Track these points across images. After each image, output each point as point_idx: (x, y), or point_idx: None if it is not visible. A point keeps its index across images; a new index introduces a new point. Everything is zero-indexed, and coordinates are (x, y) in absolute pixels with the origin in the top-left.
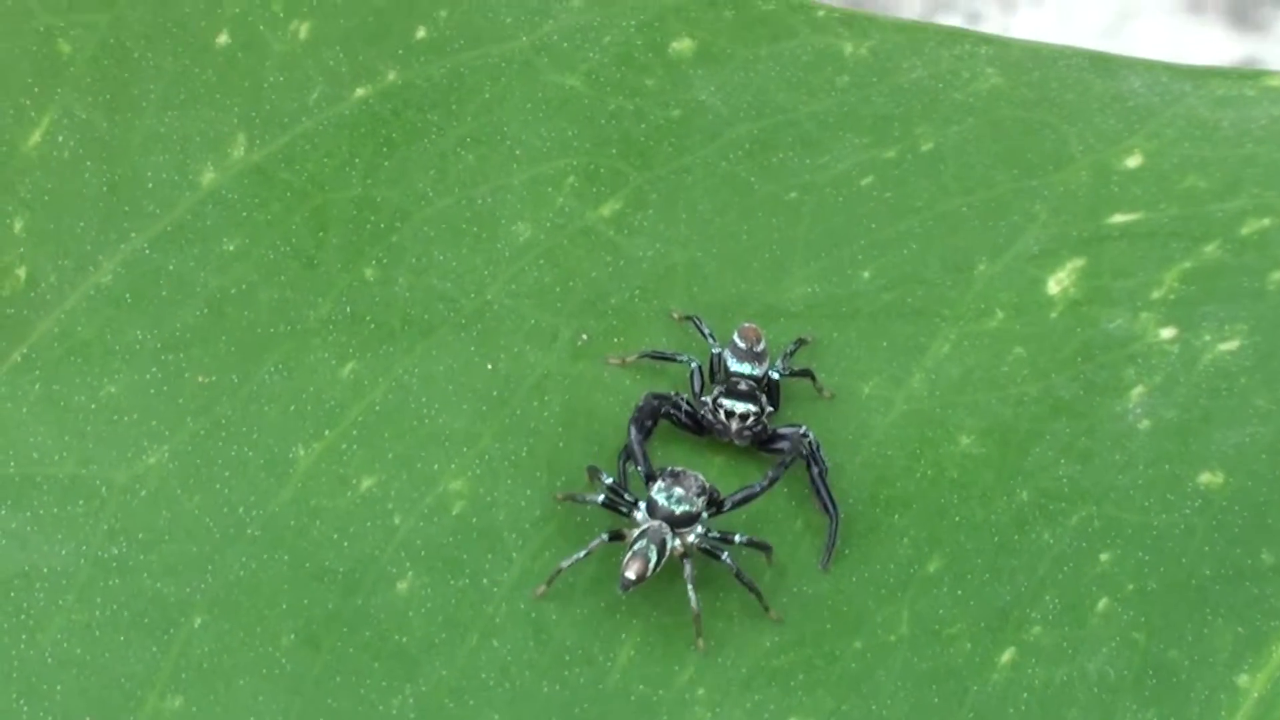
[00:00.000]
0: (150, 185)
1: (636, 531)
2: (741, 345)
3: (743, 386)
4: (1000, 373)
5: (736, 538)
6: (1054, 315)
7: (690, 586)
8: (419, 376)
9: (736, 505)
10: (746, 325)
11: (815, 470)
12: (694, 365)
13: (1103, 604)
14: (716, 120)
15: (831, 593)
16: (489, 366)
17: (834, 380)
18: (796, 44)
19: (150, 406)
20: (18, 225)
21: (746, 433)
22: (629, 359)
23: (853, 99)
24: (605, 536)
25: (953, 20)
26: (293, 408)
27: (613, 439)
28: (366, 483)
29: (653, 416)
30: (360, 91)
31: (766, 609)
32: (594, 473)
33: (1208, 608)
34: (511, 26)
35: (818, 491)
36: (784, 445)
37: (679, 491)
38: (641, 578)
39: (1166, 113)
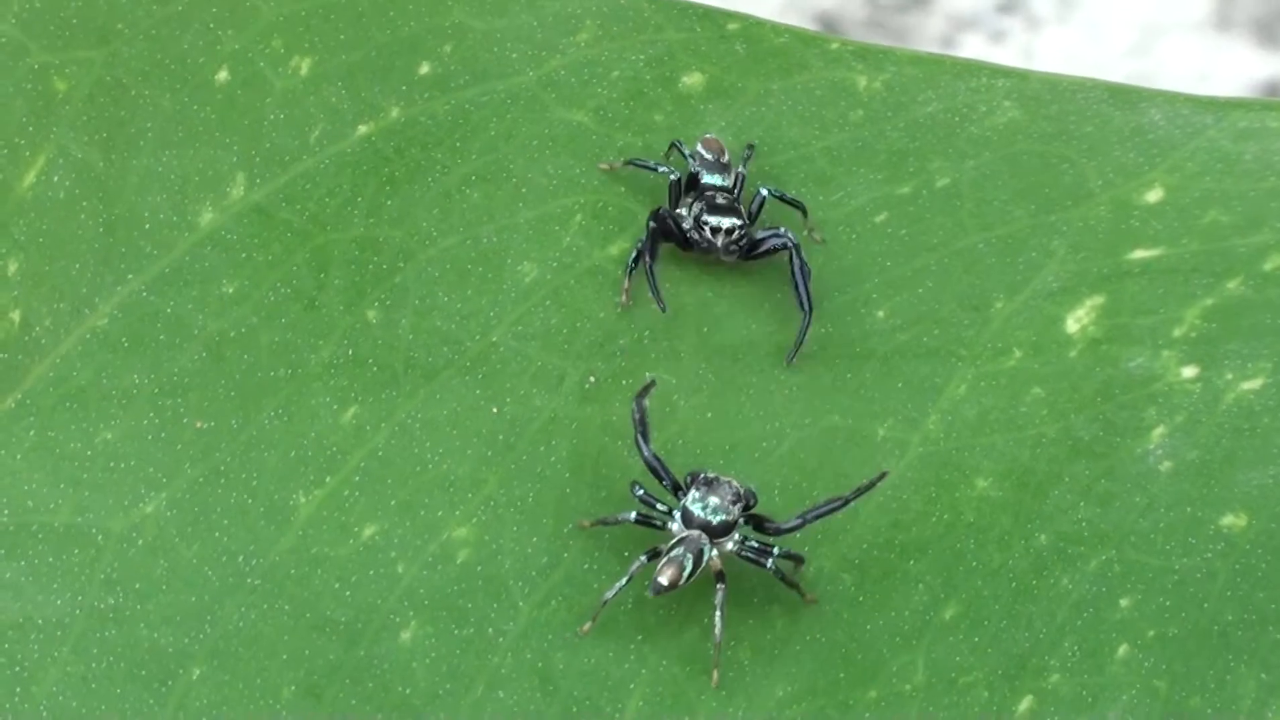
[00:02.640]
0: (148, 226)
1: (673, 540)
2: (708, 156)
3: (720, 200)
4: (1018, 413)
5: (775, 551)
6: (1073, 354)
7: (718, 613)
8: (422, 421)
9: (781, 533)
10: (708, 136)
11: (797, 264)
12: (673, 176)
13: (1123, 650)
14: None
15: (845, 640)
16: (494, 410)
17: (849, 423)
18: (809, 78)
19: (147, 453)
20: (12, 268)
21: (733, 247)
22: (616, 165)
23: (867, 134)
24: (644, 558)
25: (976, 39)
26: (293, 453)
27: (621, 483)
28: (369, 530)
29: (660, 240)
30: (363, 129)
31: (803, 594)
32: (634, 487)
33: (1230, 654)
34: (518, 62)
35: (796, 286)
36: (772, 243)
37: (714, 501)
38: (674, 585)
39: (1188, 146)
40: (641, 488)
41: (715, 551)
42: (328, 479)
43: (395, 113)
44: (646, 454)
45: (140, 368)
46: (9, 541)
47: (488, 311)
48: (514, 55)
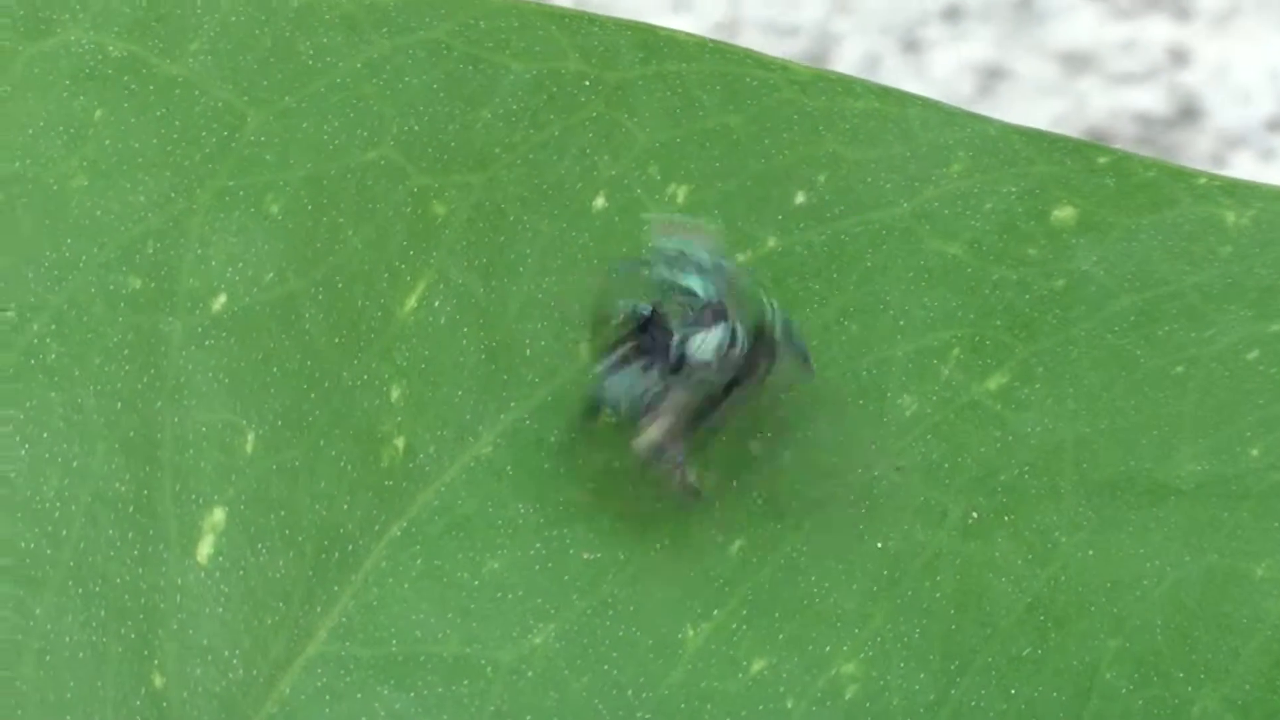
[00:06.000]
0: (529, 353)
1: None
2: None
3: None
4: None
5: None
6: None
7: None
8: (807, 554)
9: None
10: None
11: None
12: None
13: None
14: (1100, 291)
15: None
16: (878, 545)
17: (1227, 562)
18: (1178, 213)
19: (535, 584)
20: (395, 393)
21: None
22: None
23: (1236, 270)
24: None
25: (1246, 157)
26: (680, 586)
27: (1006, 618)
28: (758, 665)
29: None
30: (740, 258)
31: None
32: None
33: None
34: (891, 192)
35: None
36: None
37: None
38: None
39: None
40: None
41: None
42: (715, 612)
43: (772, 242)
44: None
45: (525, 497)
46: (398, 671)
47: (868, 444)
48: (887, 186)
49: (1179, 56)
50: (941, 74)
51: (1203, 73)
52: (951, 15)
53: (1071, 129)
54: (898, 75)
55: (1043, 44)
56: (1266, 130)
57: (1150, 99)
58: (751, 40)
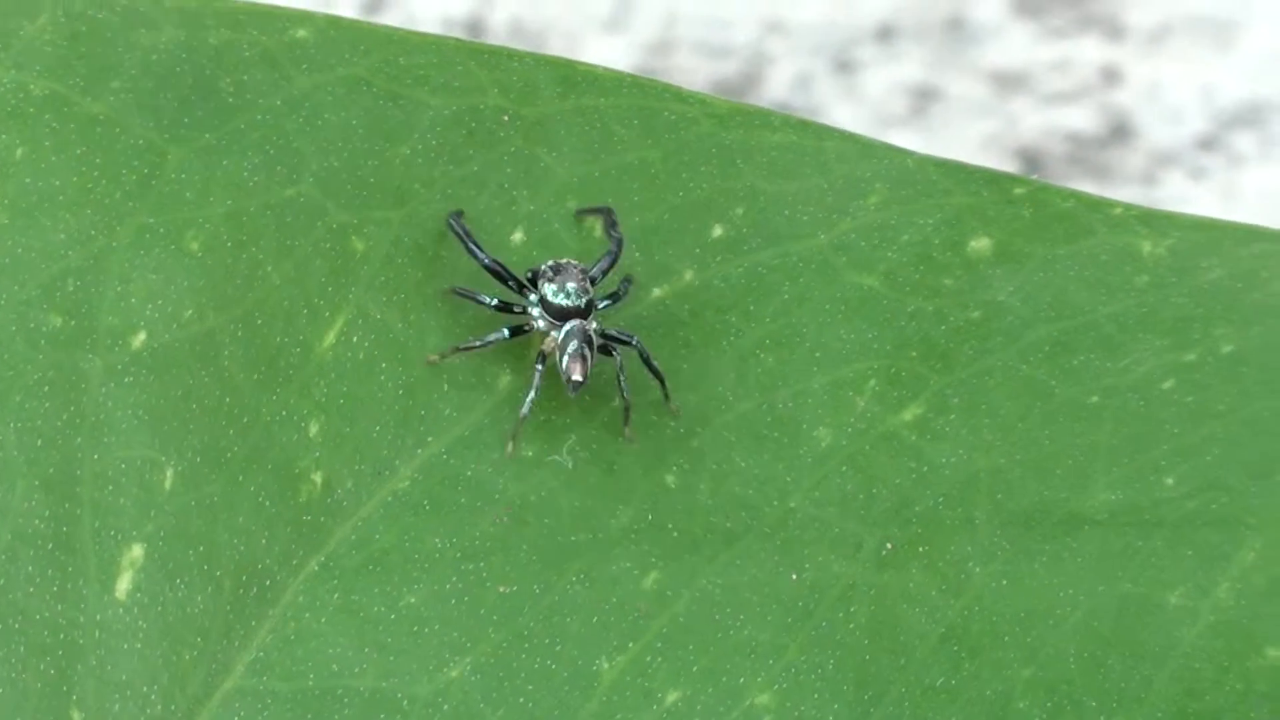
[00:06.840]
0: (446, 388)
1: (561, 334)
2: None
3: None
4: None
5: (634, 340)
6: None
7: (621, 376)
8: (722, 586)
9: (606, 273)
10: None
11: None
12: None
13: None
14: (1016, 322)
15: None
16: (793, 576)
17: (1141, 590)
18: (1094, 243)
19: (451, 617)
20: (313, 429)
21: None
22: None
23: (1152, 299)
24: (506, 332)
25: (1177, 176)
26: (595, 619)
27: (919, 648)
28: (672, 696)
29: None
30: (657, 291)
31: (667, 398)
32: (467, 294)
33: None
34: (809, 225)
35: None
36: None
37: (571, 285)
38: (586, 377)
39: None
40: (484, 295)
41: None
42: (630, 644)
43: (689, 275)
44: (486, 260)
45: (442, 531)
46: (315, 706)
47: (784, 477)
48: (804, 218)
49: (1111, 76)
50: (874, 94)
51: (1134, 92)
52: (884, 36)
53: (1003, 149)
54: (830, 96)
55: (975, 64)
56: (1197, 149)
57: (1082, 118)
58: (684, 61)
